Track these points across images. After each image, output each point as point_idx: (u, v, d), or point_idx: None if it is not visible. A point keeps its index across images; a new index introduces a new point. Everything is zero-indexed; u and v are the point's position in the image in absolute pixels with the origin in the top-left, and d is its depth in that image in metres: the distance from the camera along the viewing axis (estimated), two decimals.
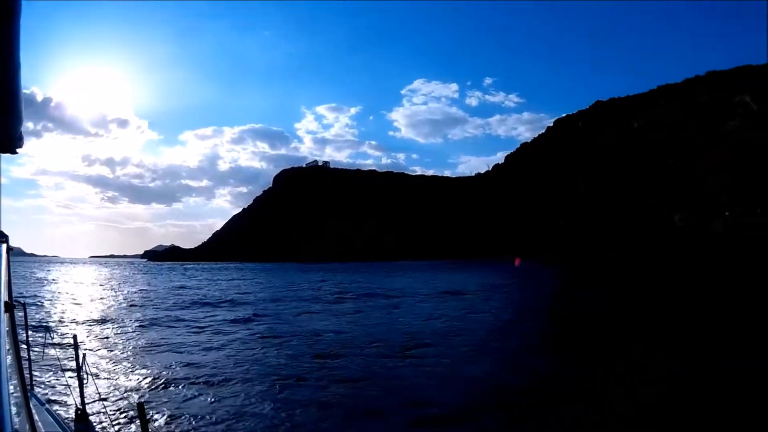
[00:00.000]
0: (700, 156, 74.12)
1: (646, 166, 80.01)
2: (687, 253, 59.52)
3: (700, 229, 66.12)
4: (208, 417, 8.43)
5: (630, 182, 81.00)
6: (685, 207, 72.48)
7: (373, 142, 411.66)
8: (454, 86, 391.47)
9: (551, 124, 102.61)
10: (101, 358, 13.28)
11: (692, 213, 70.82)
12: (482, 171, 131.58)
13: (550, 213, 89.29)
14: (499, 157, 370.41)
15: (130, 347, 15.07)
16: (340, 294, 34.30)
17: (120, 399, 9.45)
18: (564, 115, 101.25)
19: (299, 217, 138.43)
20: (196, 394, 9.81)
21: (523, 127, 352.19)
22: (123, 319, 21.48)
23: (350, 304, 27.96)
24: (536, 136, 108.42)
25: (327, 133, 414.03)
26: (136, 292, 37.95)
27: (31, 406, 3.16)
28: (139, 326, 19.48)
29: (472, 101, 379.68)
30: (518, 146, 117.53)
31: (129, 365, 12.54)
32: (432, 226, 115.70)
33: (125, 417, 8.36)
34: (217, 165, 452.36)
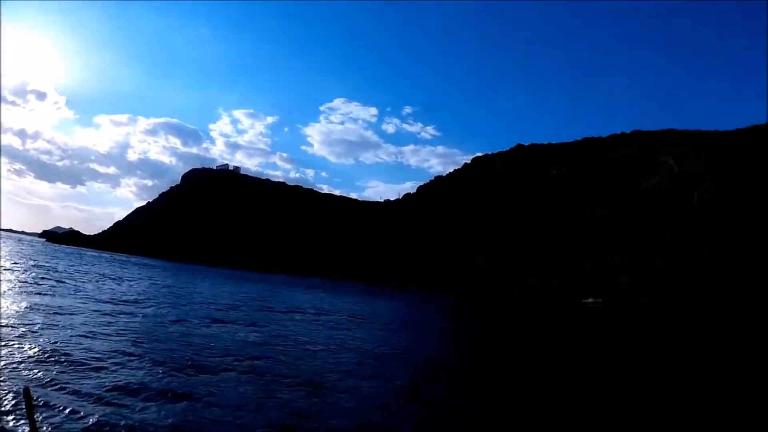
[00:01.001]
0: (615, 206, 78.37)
1: (561, 211, 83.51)
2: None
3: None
4: None
5: (543, 224, 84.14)
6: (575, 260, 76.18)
7: (284, 154, 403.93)
8: (374, 110, 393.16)
9: (468, 161, 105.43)
10: None
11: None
12: (392, 198, 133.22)
13: (460, 247, 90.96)
14: (408, 186, 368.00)
15: None
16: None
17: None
18: (482, 153, 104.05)
19: (207, 218, 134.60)
20: None
21: (436, 160, 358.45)
22: None
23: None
24: (451, 170, 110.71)
25: (240, 138, 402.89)
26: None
27: None
28: None
29: (389, 128, 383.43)
30: (432, 178, 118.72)
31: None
32: (340, 246, 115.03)
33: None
34: (126, 154, 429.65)
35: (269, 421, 8.89)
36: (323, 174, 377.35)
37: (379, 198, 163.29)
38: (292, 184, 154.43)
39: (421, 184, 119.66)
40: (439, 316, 42.01)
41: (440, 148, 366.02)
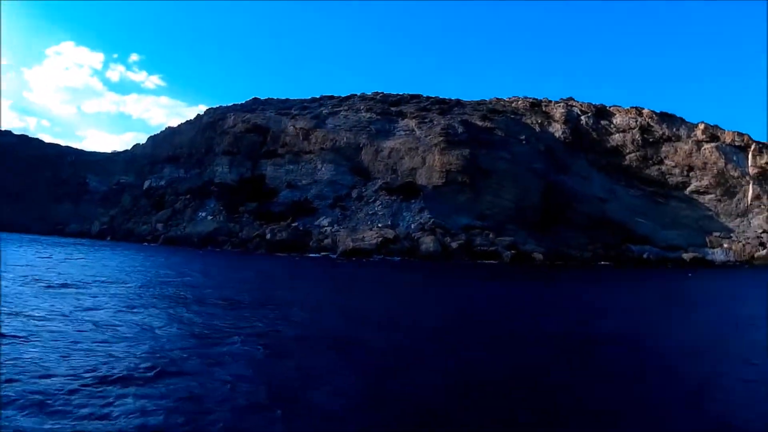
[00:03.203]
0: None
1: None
2: None
3: None
4: None
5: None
6: None
7: (9, 101, 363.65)
8: (101, 56, 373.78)
9: (195, 113, 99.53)
10: None
11: None
12: (119, 149, 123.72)
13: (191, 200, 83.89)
14: (129, 137, 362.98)
15: None
16: None
17: None
18: (217, 105, 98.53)
19: None
20: None
21: (160, 111, 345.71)
22: None
23: None
24: (183, 122, 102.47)
25: None
26: None
27: None
28: None
29: (114, 75, 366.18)
30: (164, 129, 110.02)
31: None
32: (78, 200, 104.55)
33: None
34: None
35: None
36: (45, 123, 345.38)
37: (100, 148, 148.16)
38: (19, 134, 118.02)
39: (138, 134, 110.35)
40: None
41: (164, 99, 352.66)
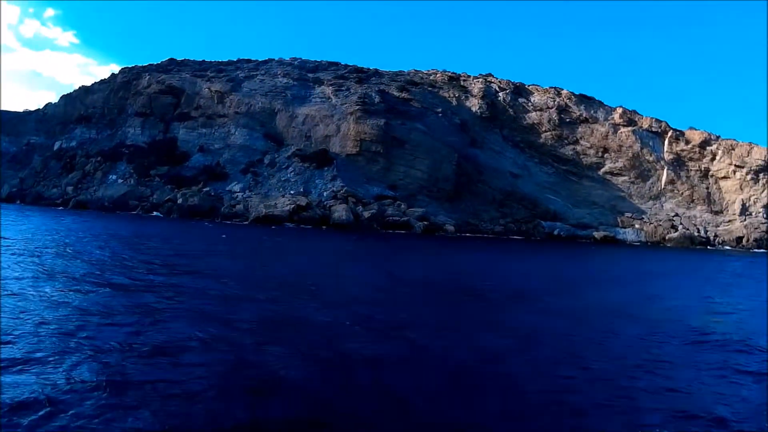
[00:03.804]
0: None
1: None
2: None
3: None
4: None
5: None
6: None
7: None
8: (17, 9, 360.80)
9: (115, 72, 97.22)
10: None
11: None
12: (31, 108, 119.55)
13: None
14: (42, 96, 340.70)
15: None
16: None
17: None
18: (132, 65, 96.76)
19: None
20: None
21: (73, 70, 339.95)
22: None
23: None
24: (97, 81, 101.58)
25: None
26: None
27: None
28: None
29: (28, 31, 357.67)
30: (77, 87, 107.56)
31: None
32: None
33: None
34: None
35: None
36: None
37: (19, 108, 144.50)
38: None
39: (50, 92, 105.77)
40: None
41: (77, 57, 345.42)
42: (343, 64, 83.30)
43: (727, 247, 79.19)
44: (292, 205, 65.30)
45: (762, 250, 76.34)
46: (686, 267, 39.57)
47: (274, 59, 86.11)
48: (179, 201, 69.24)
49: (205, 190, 70.48)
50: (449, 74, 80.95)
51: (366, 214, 64.53)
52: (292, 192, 68.05)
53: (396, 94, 75.24)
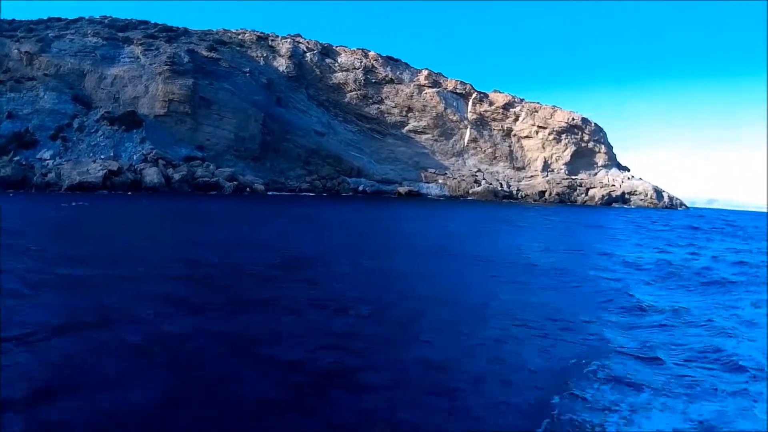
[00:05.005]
0: None
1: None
2: None
3: None
4: None
5: None
6: None
7: None
8: None
9: None
10: None
11: None
12: None
13: None
14: None
15: None
16: None
17: None
18: None
19: None
20: None
21: None
22: None
23: None
24: None
25: None
26: None
27: None
28: None
29: None
30: None
31: None
32: None
33: None
34: None
35: None
36: None
37: None
38: None
39: None
40: None
41: None
42: (153, 22, 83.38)
43: (531, 201, 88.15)
44: (104, 171, 68.03)
45: (563, 204, 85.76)
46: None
47: (84, 17, 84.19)
48: None
49: (15, 159, 71.72)
50: (258, 34, 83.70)
51: (176, 176, 68.87)
52: (102, 157, 70.85)
53: (205, 53, 78.02)
